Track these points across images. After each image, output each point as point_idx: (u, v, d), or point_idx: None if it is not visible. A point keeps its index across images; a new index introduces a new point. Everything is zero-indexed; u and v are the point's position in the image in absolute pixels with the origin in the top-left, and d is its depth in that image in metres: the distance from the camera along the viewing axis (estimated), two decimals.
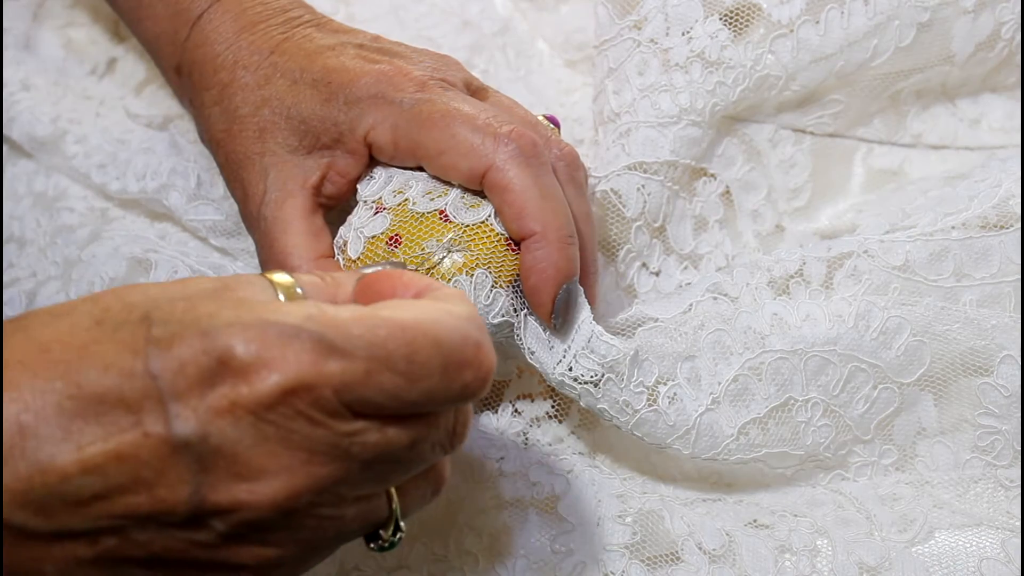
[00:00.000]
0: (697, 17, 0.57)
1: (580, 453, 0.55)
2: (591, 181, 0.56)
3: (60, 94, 0.64)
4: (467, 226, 0.49)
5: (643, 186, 0.56)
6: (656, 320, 0.54)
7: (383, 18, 0.65)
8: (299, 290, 0.38)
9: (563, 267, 0.48)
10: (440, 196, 0.50)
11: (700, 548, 0.51)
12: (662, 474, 0.56)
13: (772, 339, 0.52)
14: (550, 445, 0.55)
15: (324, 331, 0.35)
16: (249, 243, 0.57)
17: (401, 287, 0.40)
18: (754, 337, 0.52)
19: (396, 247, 0.49)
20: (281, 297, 0.37)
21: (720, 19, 0.57)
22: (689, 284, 0.58)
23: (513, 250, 0.49)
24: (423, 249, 0.49)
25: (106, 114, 0.64)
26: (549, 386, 0.55)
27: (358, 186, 0.52)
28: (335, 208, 0.53)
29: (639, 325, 0.54)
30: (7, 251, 0.62)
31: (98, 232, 0.61)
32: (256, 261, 0.57)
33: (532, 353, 0.50)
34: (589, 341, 0.50)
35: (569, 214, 0.49)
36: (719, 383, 0.52)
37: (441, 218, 0.49)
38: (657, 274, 0.59)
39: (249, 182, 0.52)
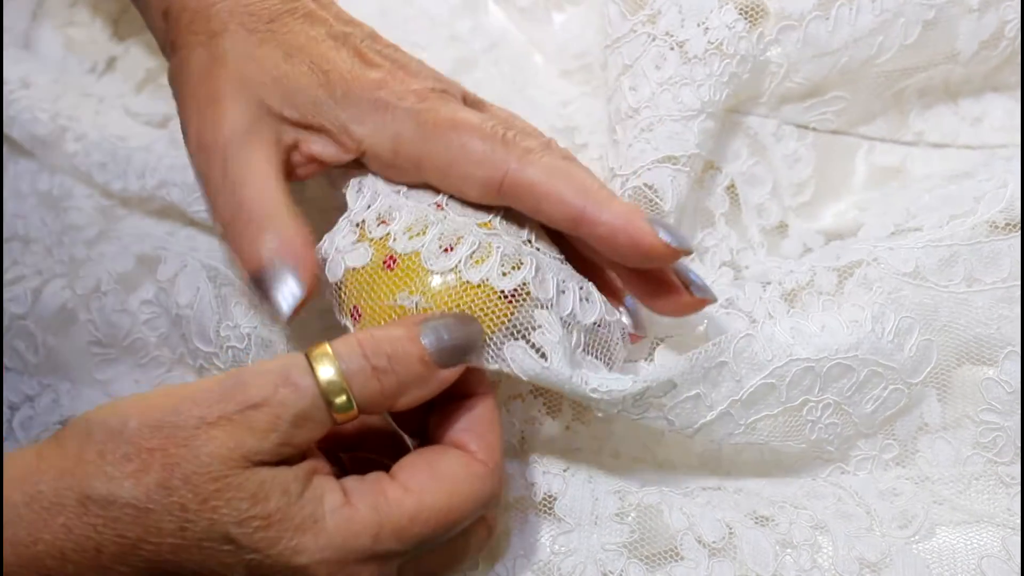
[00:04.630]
0: (712, 7, 0.56)
1: (577, 448, 0.55)
2: (618, 180, 0.56)
3: (59, 92, 0.64)
4: (435, 272, 0.47)
5: (674, 178, 0.55)
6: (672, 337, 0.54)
7: (368, 20, 0.63)
8: (353, 401, 0.43)
9: (627, 211, 0.47)
10: (418, 235, 0.48)
11: (700, 542, 0.51)
12: (661, 461, 0.56)
13: (797, 348, 0.52)
14: (545, 444, 0.55)
15: (388, 546, 0.42)
16: None
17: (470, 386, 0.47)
18: (780, 346, 0.52)
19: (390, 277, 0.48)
20: (342, 407, 0.43)
21: (736, 9, 0.57)
22: None
23: (474, 294, 0.47)
24: (395, 299, 0.47)
25: (105, 112, 0.64)
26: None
27: (346, 194, 0.51)
28: (297, 181, 0.52)
29: (658, 343, 0.54)
30: (12, 249, 0.62)
31: (106, 231, 0.61)
32: None
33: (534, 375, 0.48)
34: (601, 383, 0.48)
35: (596, 176, 0.49)
36: (743, 388, 0.51)
37: (417, 261, 0.48)
38: None
39: (216, 113, 0.49)
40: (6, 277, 0.62)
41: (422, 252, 0.48)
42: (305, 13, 0.52)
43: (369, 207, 0.50)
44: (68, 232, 0.61)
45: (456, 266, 0.47)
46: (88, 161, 0.61)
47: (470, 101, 0.53)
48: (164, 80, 0.65)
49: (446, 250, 0.48)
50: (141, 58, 0.66)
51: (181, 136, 0.60)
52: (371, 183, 0.51)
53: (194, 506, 0.40)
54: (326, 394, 0.42)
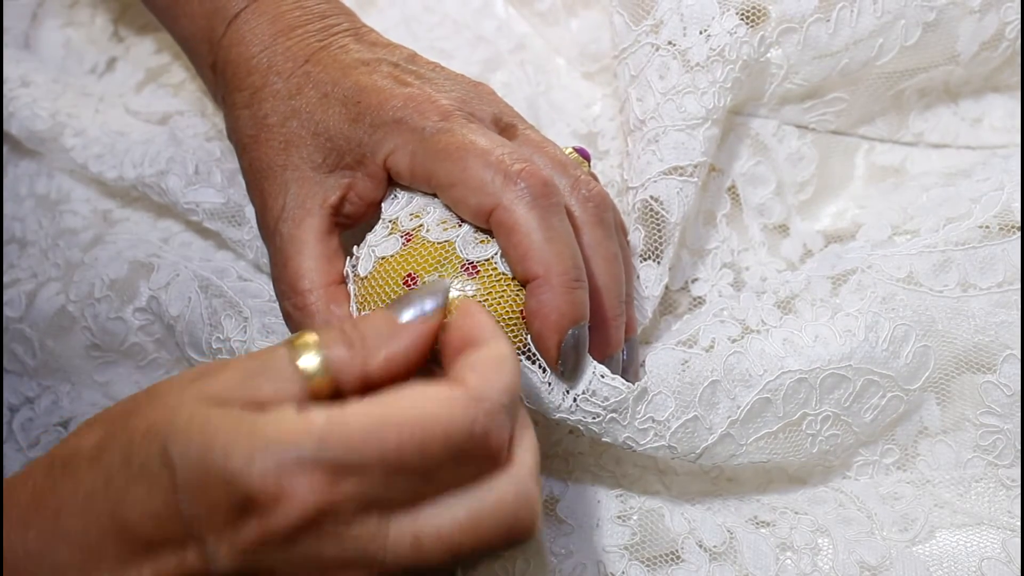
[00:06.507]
0: (713, 14, 0.56)
1: (579, 452, 0.55)
2: (630, 193, 0.56)
3: (59, 91, 0.64)
4: (471, 262, 0.48)
5: (681, 189, 0.55)
6: (664, 345, 0.54)
7: (394, 30, 0.64)
8: (323, 361, 0.40)
9: (567, 312, 0.46)
10: (453, 227, 0.49)
11: (700, 546, 0.51)
12: (663, 468, 0.56)
13: (789, 360, 0.52)
14: (548, 446, 0.55)
15: (336, 454, 0.37)
16: (247, 233, 0.58)
17: (456, 341, 0.43)
18: (771, 359, 0.52)
19: (413, 284, 0.48)
20: (308, 363, 0.40)
21: (737, 14, 0.56)
22: (696, 280, 0.59)
23: (515, 291, 0.48)
24: (424, 282, 0.48)
25: (105, 110, 0.64)
26: None
27: (382, 204, 0.52)
28: (354, 228, 0.53)
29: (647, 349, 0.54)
30: (9, 252, 0.62)
31: (101, 235, 0.61)
32: (253, 255, 0.58)
33: (527, 398, 0.49)
34: (590, 384, 0.48)
35: (577, 257, 0.47)
36: (739, 407, 0.51)
37: (450, 251, 0.48)
38: (670, 268, 0.59)
39: (269, 194, 0.52)
40: (3, 280, 0.62)
41: (456, 242, 0.48)
42: (340, 47, 0.53)
43: (404, 208, 0.51)
44: (64, 236, 0.61)
45: (492, 257, 0.48)
46: (86, 153, 0.61)
47: (502, 124, 0.53)
48: (164, 80, 0.65)
49: (481, 242, 0.48)
50: (141, 58, 0.66)
51: (181, 132, 0.61)
52: (406, 192, 0.51)
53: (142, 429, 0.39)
54: (292, 348, 0.41)
